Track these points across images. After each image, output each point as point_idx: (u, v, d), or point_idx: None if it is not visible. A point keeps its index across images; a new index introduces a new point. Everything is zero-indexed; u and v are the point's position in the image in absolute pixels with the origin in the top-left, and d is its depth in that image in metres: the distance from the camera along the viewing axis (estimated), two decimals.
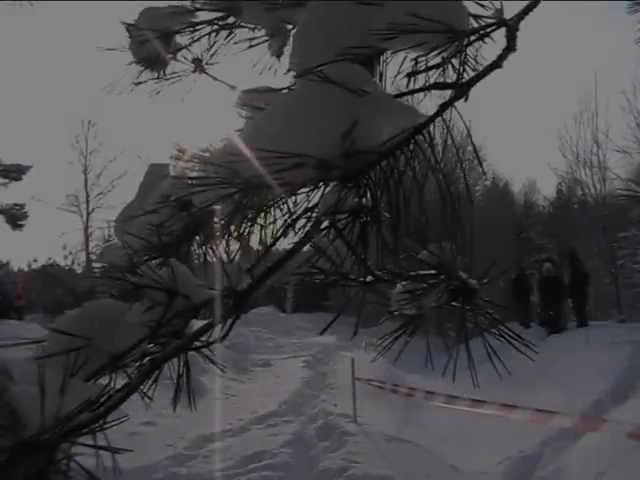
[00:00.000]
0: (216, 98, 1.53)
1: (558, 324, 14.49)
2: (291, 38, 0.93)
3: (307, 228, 0.86)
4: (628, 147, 19.48)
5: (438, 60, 0.95)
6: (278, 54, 1.19)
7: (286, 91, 1.36)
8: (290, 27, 1.12)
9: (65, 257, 33.09)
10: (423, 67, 0.94)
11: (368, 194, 0.76)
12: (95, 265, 1.40)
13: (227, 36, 1.17)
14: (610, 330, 13.59)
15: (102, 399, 0.75)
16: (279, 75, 1.22)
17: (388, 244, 0.72)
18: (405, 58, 0.93)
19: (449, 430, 8.19)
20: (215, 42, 1.18)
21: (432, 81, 0.96)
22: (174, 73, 1.28)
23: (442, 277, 0.67)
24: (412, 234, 0.71)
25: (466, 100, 0.82)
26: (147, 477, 5.45)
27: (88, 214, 33.69)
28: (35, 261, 32.48)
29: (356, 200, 0.80)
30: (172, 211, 1.45)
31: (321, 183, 0.74)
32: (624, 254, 19.56)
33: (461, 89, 0.81)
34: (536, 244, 23.15)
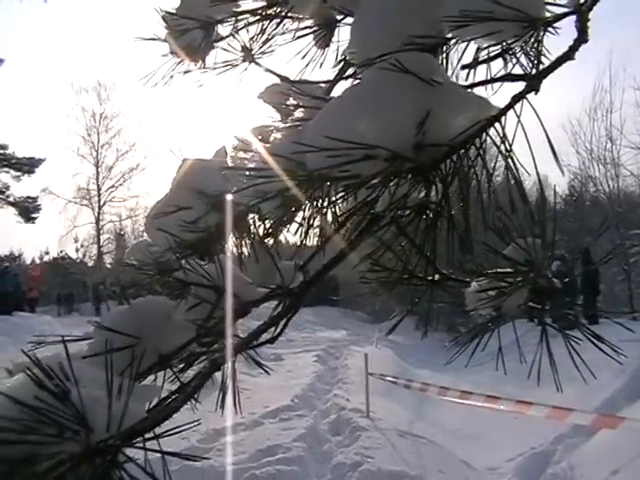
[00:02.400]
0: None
1: (578, 320, 14.37)
2: (348, 28, 0.89)
3: (366, 224, 0.84)
4: None
5: (498, 50, 0.91)
6: (325, 45, 1.15)
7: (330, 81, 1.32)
8: (340, 17, 1.09)
9: (77, 250, 33.37)
10: (484, 57, 0.91)
11: (437, 187, 0.73)
12: (127, 262, 1.37)
13: (277, 26, 1.13)
14: (622, 327, 13.47)
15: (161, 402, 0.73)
16: (325, 67, 1.18)
17: (462, 240, 0.68)
18: (466, 48, 0.90)
19: (462, 426, 8.16)
20: (264, 31, 1.15)
21: (491, 73, 0.93)
22: (225, 62, 1.24)
23: (531, 275, 0.64)
24: (493, 229, 0.68)
25: (537, 93, 0.79)
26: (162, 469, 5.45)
27: (100, 207, 33.96)
28: (47, 253, 32.74)
29: (422, 195, 0.77)
30: (208, 207, 1.42)
31: (391, 176, 0.71)
32: (637, 251, 19.37)
33: (534, 81, 0.77)
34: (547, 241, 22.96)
